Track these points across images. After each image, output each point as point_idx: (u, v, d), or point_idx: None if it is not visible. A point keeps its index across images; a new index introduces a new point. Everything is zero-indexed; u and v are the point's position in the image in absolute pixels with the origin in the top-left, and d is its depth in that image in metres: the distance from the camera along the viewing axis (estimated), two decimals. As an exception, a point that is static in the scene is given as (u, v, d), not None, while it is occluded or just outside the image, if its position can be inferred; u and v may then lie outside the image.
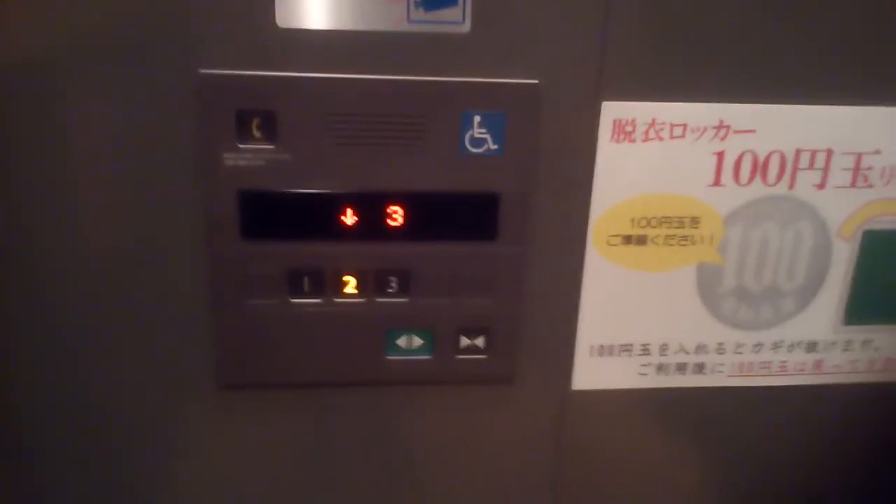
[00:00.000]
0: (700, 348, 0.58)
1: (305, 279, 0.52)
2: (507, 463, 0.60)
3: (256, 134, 0.48)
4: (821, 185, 0.55)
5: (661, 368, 0.59)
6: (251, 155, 0.48)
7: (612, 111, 0.51)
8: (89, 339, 0.52)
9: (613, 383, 0.58)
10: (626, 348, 0.58)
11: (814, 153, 0.54)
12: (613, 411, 0.59)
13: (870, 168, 0.55)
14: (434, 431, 0.58)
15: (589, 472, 0.61)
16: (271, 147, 0.48)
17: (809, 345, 0.60)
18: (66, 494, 0.57)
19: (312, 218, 0.50)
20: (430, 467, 0.59)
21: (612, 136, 0.51)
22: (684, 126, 0.52)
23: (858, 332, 0.60)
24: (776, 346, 0.59)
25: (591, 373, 0.58)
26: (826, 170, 0.55)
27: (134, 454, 0.56)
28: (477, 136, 0.49)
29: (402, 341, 0.54)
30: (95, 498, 0.57)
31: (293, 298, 0.52)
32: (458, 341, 0.55)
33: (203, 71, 0.46)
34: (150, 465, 0.57)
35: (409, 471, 0.59)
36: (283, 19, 0.46)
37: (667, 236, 0.55)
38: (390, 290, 0.53)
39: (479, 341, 0.55)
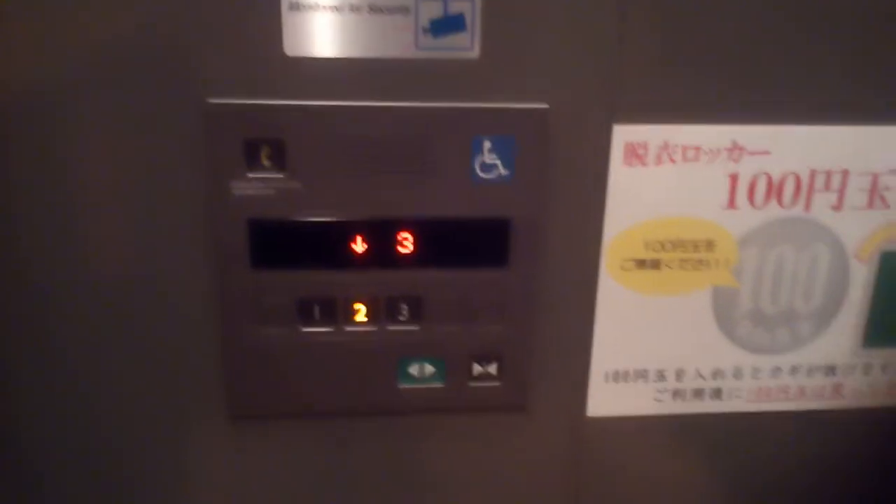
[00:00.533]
0: (717, 373, 0.57)
1: (316, 308, 0.52)
2: (521, 491, 0.59)
3: (265, 163, 0.47)
4: (837, 207, 0.54)
5: (677, 394, 0.58)
6: (260, 184, 0.48)
7: (623, 134, 0.50)
8: (98, 372, 0.52)
9: (629, 410, 0.57)
10: (642, 374, 0.57)
11: (829, 174, 0.53)
12: (629, 438, 0.58)
13: (887, 188, 0.54)
14: (447, 460, 0.57)
15: (605, 499, 0.60)
16: (280, 176, 0.48)
17: (828, 368, 0.59)
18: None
19: (322, 246, 0.50)
20: (443, 496, 0.58)
21: (624, 159, 0.51)
22: (697, 148, 0.51)
23: (878, 356, 0.59)
24: (794, 371, 0.58)
25: (605, 399, 0.57)
26: (842, 191, 0.54)
27: (144, 487, 0.56)
28: (487, 161, 0.49)
29: (414, 369, 0.54)
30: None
31: (304, 327, 0.52)
32: (470, 369, 0.54)
33: (211, 100, 0.46)
34: (160, 497, 0.56)
35: (423, 500, 0.58)
36: (292, 48, 0.46)
37: (681, 260, 0.54)
38: (402, 318, 0.52)
39: (492, 368, 0.54)
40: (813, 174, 0.53)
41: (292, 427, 0.55)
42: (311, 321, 0.52)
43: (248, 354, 0.52)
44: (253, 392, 0.53)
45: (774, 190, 0.53)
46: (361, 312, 0.52)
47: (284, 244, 0.50)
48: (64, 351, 0.51)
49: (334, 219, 0.49)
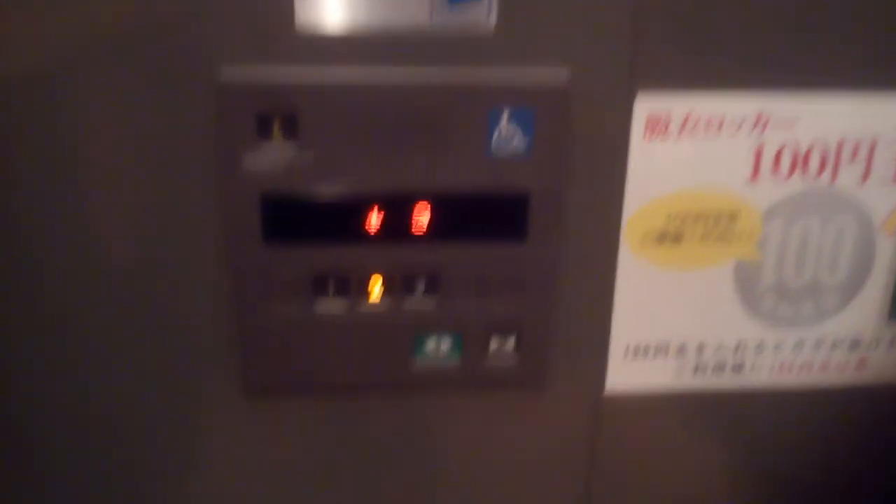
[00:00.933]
0: (739, 348, 0.56)
1: (330, 283, 0.51)
2: (539, 468, 0.58)
3: (278, 136, 0.46)
4: (864, 178, 0.53)
5: (698, 369, 0.57)
6: (273, 157, 0.47)
7: (645, 105, 0.49)
8: (108, 348, 0.52)
9: (649, 385, 0.56)
10: (662, 349, 0.56)
11: (857, 144, 0.52)
12: (649, 414, 0.57)
13: (916, 159, 0.52)
14: (463, 436, 0.57)
15: (623, 476, 0.59)
16: (293, 149, 0.47)
17: (852, 343, 0.57)
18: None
19: (337, 221, 0.49)
20: (458, 472, 0.58)
21: (646, 131, 0.49)
22: (721, 119, 0.50)
23: (904, 330, 0.57)
24: (818, 345, 0.57)
25: (625, 375, 0.56)
26: (869, 162, 0.52)
27: (157, 465, 0.55)
28: (505, 133, 0.48)
29: (430, 345, 0.53)
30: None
31: (318, 303, 0.51)
32: (487, 345, 0.53)
33: (223, 73, 0.45)
34: (173, 474, 0.56)
35: (438, 477, 0.58)
36: (304, 19, 0.44)
37: (703, 233, 0.53)
38: (417, 294, 0.51)
39: (510, 345, 0.53)
40: (840, 144, 0.52)
41: (306, 403, 0.54)
42: (325, 297, 0.51)
43: (261, 331, 0.51)
44: (266, 368, 0.53)
45: (800, 161, 0.52)
46: (377, 288, 0.51)
47: (298, 219, 0.49)
48: (71, 328, 0.51)
49: (349, 193, 0.48)
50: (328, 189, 0.48)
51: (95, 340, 0.51)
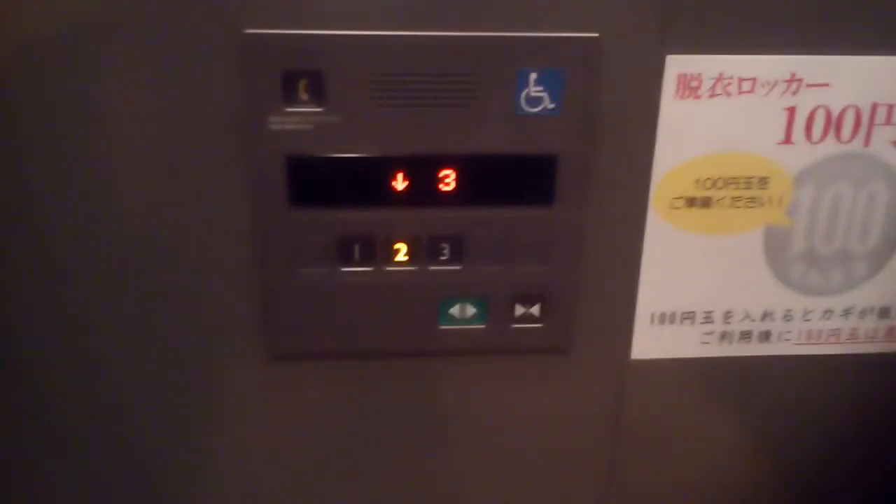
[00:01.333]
0: (766, 315, 0.56)
1: (356, 247, 0.50)
2: (563, 434, 0.58)
3: (303, 96, 0.46)
4: (899, 142, 0.52)
5: (724, 336, 0.56)
6: (298, 118, 0.46)
7: (676, 65, 0.48)
8: (133, 309, 0.52)
9: (674, 352, 0.56)
10: (689, 316, 0.55)
11: (891, 107, 0.51)
12: (674, 381, 0.57)
13: (953, 122, 0.51)
14: (487, 402, 0.56)
15: (648, 443, 0.59)
16: (319, 110, 0.46)
17: (882, 310, 0.57)
18: (110, 469, 0.57)
19: (362, 183, 0.48)
20: (484, 439, 0.58)
21: (677, 91, 0.49)
22: (753, 80, 0.49)
23: (936, 298, 0.57)
24: (846, 313, 0.56)
25: (651, 341, 0.55)
26: (904, 125, 0.51)
27: (179, 429, 0.56)
28: (533, 94, 0.47)
29: (454, 310, 0.52)
30: (140, 472, 0.57)
31: (343, 267, 0.51)
32: (512, 310, 0.52)
33: (247, 31, 0.44)
34: (197, 436, 0.56)
35: (463, 442, 0.58)
36: (331, -24, 0.44)
37: (733, 198, 0.52)
38: (443, 258, 0.51)
39: (535, 310, 0.53)
40: (874, 107, 0.51)
41: (331, 367, 0.54)
42: (350, 260, 0.51)
43: (286, 294, 0.51)
44: (291, 332, 0.53)
45: (833, 124, 0.51)
46: (402, 252, 0.51)
47: (323, 181, 0.48)
48: (96, 289, 0.51)
49: (374, 155, 0.48)
50: (354, 151, 0.47)
51: (119, 304, 0.51)
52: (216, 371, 0.54)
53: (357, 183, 0.48)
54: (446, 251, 0.51)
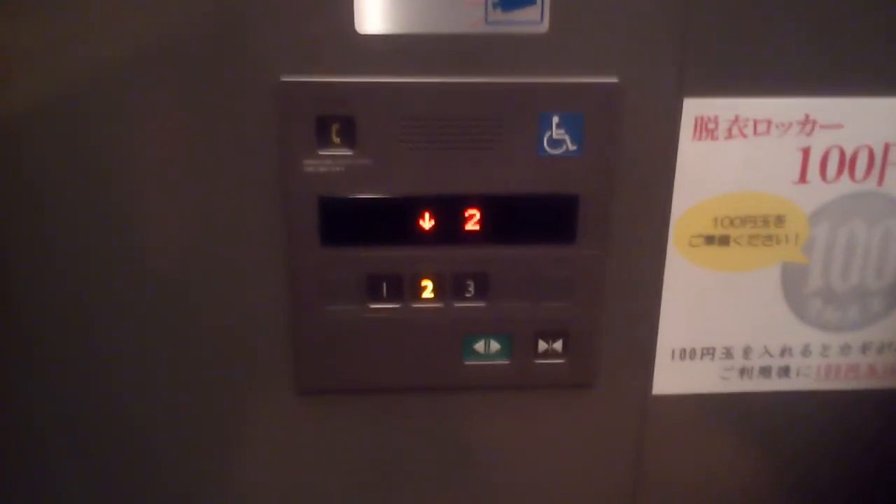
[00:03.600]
0: (785, 351, 0.57)
1: (384, 284, 0.52)
2: (586, 468, 0.59)
3: (336, 140, 0.48)
4: (911, 181, 0.53)
5: (744, 372, 0.57)
6: (331, 161, 0.48)
7: (693, 108, 0.50)
8: (167, 346, 0.53)
9: (695, 388, 0.57)
10: (709, 352, 0.56)
11: (904, 148, 0.52)
12: (695, 416, 0.58)
13: (964, 162, 0.53)
14: (511, 436, 0.57)
15: (669, 478, 0.60)
16: (350, 153, 0.48)
17: (900, 346, 0.58)
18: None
19: (391, 223, 0.50)
20: (506, 473, 0.59)
21: (694, 133, 0.50)
22: (768, 122, 0.50)
23: (952, 333, 0.57)
24: (865, 348, 0.57)
25: (672, 377, 0.56)
26: (917, 165, 0.53)
27: (209, 463, 0.57)
28: (555, 137, 0.49)
29: (479, 346, 0.54)
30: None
31: (372, 304, 0.52)
32: (536, 345, 0.54)
33: (284, 78, 0.46)
34: (225, 469, 0.57)
35: (487, 477, 0.58)
36: (362, 24, 0.46)
37: (750, 236, 0.53)
38: (468, 295, 0.52)
39: (558, 345, 0.54)
40: (887, 147, 0.52)
41: (357, 402, 0.56)
42: (378, 298, 0.52)
43: (316, 330, 0.53)
44: (320, 367, 0.54)
45: (847, 164, 0.52)
46: (428, 289, 0.52)
47: (353, 221, 0.50)
48: (132, 325, 0.53)
49: (403, 195, 0.49)
50: (383, 192, 0.49)
51: (152, 340, 0.53)
52: (247, 405, 0.56)
53: (385, 222, 0.50)
54: (471, 288, 0.52)
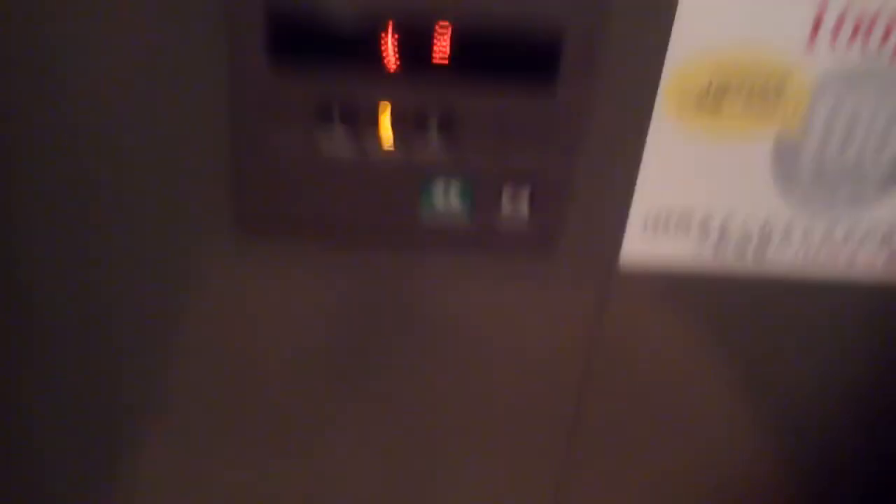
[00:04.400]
0: (765, 230, 0.53)
1: (336, 115, 0.46)
2: (539, 340, 0.55)
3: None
4: (930, 54, 0.48)
5: (719, 247, 0.53)
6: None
7: (704, -58, 0.44)
8: (103, 167, 0.47)
9: (665, 261, 0.53)
10: (684, 224, 0.52)
11: (927, 19, 0.47)
12: (661, 292, 0.54)
13: None
14: (465, 298, 0.54)
15: (626, 353, 0.56)
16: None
17: (885, 236, 0.54)
18: (67, 352, 0.53)
19: (349, 43, 0.44)
20: (457, 336, 0.55)
21: (702, -28, 0.44)
22: (785, -30, 0.45)
23: (943, 228, 0.54)
24: (848, 235, 0.54)
25: (642, 248, 0.52)
26: (938, 37, 0.47)
27: (146, 305, 0.52)
28: (545, -41, 0.42)
29: (438, 197, 0.49)
30: (102, 353, 0.54)
31: (321, 137, 0.47)
32: (500, 198, 0.49)
33: None
34: (162, 316, 0.53)
35: (436, 338, 0.55)
36: None
37: (746, 102, 0.48)
38: (430, 136, 0.47)
39: (524, 203, 0.49)
40: (908, 17, 0.47)
41: (303, 249, 0.51)
42: (329, 130, 0.47)
43: (258, 163, 0.47)
44: (261, 207, 0.49)
45: (863, 30, 0.47)
46: (386, 125, 0.47)
47: (307, 39, 0.44)
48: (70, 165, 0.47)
49: (365, 10, 0.43)
50: (344, 5, 0.43)
51: (88, 171, 0.47)
52: (184, 247, 0.50)
53: (344, 42, 0.44)
54: (434, 128, 0.47)
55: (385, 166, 0.48)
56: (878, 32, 0.47)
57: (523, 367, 0.56)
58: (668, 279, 0.53)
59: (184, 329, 0.53)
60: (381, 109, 0.46)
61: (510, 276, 0.52)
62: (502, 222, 0.50)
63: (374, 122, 0.46)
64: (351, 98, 0.46)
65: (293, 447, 0.58)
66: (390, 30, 0.43)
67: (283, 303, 0.53)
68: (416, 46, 0.44)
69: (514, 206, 0.49)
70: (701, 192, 0.51)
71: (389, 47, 0.44)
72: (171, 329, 0.54)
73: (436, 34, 0.44)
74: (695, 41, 0.46)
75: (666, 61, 0.46)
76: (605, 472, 0.62)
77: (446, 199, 0.49)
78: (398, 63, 0.44)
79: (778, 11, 0.46)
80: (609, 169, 0.49)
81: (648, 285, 0.53)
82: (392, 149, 0.47)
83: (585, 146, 0.48)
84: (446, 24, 0.43)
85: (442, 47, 0.44)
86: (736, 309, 0.56)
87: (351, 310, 0.53)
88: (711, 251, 0.53)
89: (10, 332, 0.52)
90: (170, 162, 0.47)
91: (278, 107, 0.46)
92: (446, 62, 0.44)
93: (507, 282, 0.53)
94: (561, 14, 0.43)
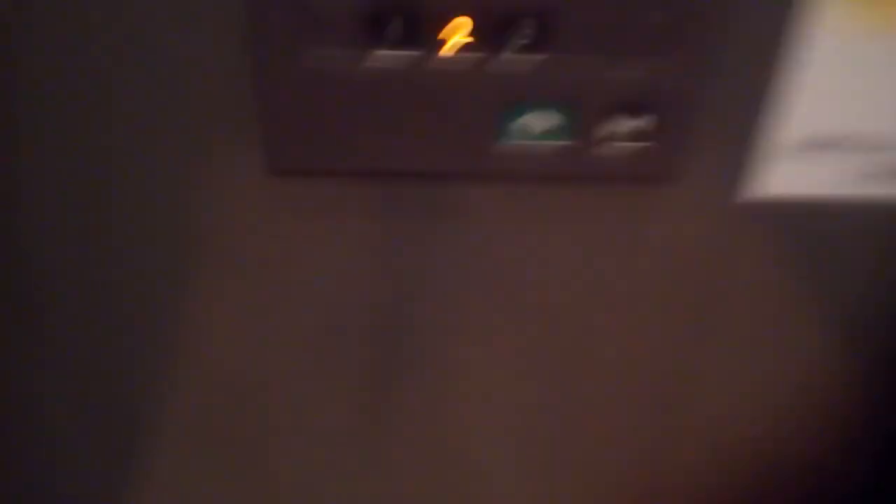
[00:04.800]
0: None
1: (391, 23, 0.34)
2: (651, 288, 0.44)
3: None
4: None
5: (869, 174, 0.42)
6: None
7: None
8: (115, 121, 0.36)
9: (807, 188, 0.42)
10: (834, 144, 0.41)
11: None
12: (798, 224, 0.43)
13: None
14: (555, 247, 0.43)
15: (745, 304, 0.46)
16: None
17: None
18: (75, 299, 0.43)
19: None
20: (547, 291, 0.44)
21: None
22: None
23: None
24: None
25: (783, 175, 0.41)
26: None
27: (168, 257, 0.42)
28: None
29: (525, 122, 0.37)
30: (113, 300, 0.43)
31: (372, 50, 0.35)
32: (609, 122, 0.38)
33: None
34: (187, 267, 0.42)
35: (520, 296, 0.44)
36: None
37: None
38: (519, 42, 0.35)
39: (642, 122, 0.38)
40: None
41: (346, 189, 0.40)
42: (381, 41, 0.35)
43: (291, 86, 0.36)
44: (297, 138, 0.38)
45: None
46: (459, 31, 0.35)
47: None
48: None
49: None
50: None
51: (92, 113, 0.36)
52: (206, 188, 0.39)
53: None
54: (526, 32, 0.35)
55: (454, 83, 0.36)
56: None
57: (627, 322, 0.46)
58: (807, 207, 0.42)
59: (209, 272, 0.43)
60: (451, 11, 0.34)
61: (617, 213, 0.41)
62: (611, 148, 0.38)
63: (442, 28, 0.35)
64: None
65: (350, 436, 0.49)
66: None
67: (320, 250, 0.42)
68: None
69: (630, 129, 0.38)
70: (857, 105, 0.40)
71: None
72: (195, 271, 0.43)
73: None
74: None
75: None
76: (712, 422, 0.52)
77: (536, 125, 0.37)
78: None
79: None
80: (751, 78, 0.38)
81: (785, 215, 0.42)
82: (462, 62, 0.36)
83: (719, 51, 0.36)
84: None
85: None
86: (882, 236, 0.45)
87: (403, 258, 0.43)
88: (859, 174, 0.42)
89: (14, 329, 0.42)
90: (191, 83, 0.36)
91: (314, 10, 0.34)
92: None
93: (608, 224, 0.42)
94: None
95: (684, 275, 0.44)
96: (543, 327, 0.45)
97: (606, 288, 0.44)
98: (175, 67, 0.35)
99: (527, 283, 0.44)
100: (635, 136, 0.38)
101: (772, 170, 0.40)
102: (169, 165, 0.38)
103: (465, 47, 0.35)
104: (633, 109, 0.37)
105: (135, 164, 0.38)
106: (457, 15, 0.34)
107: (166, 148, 0.38)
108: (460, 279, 0.43)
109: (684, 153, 0.39)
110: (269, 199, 0.40)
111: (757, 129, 0.39)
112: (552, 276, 0.43)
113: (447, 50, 0.35)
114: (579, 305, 0.45)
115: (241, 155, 0.38)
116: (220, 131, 0.37)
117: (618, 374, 0.48)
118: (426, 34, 0.35)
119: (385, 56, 0.35)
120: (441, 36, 0.35)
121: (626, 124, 0.37)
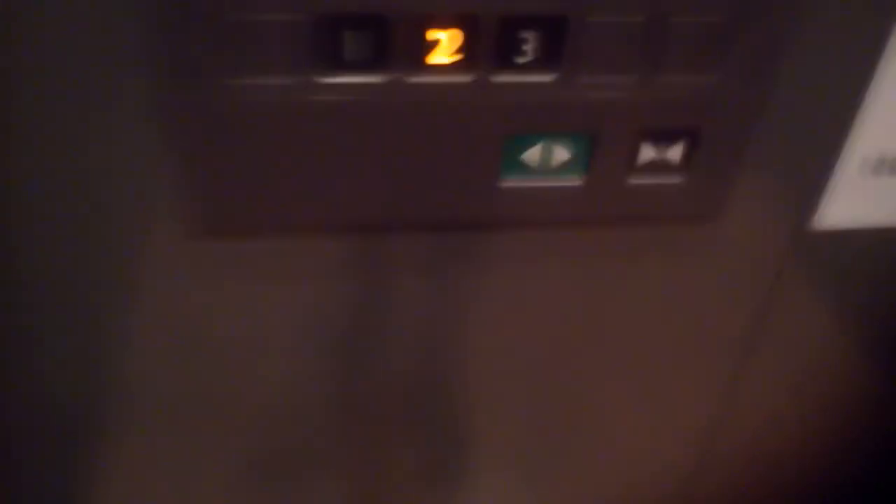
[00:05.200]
0: None
1: (352, 35, 0.26)
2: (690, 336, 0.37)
3: None
4: None
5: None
6: None
7: None
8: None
9: (877, 218, 0.34)
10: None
11: None
12: (863, 256, 0.36)
13: None
14: (580, 292, 0.35)
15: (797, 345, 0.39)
16: None
17: None
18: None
19: None
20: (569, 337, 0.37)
21: None
22: None
23: None
24: None
25: (851, 201, 0.33)
26: None
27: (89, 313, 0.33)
28: None
29: (534, 153, 0.29)
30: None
31: (326, 75, 0.26)
32: (635, 152, 0.29)
33: None
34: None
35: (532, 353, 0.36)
36: None
37: None
38: (520, 60, 0.27)
39: (674, 153, 0.30)
40: None
41: (295, 245, 0.31)
42: (339, 62, 0.26)
43: (223, 124, 0.27)
44: (232, 192, 0.29)
45: None
46: (444, 46, 0.26)
47: None
48: None
49: None
50: None
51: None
52: (128, 250, 0.31)
53: None
54: (529, 46, 0.26)
55: (443, 114, 0.28)
56: None
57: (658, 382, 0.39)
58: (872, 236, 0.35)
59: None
60: (434, 20, 0.26)
61: (646, 260, 0.33)
62: (637, 185, 0.30)
63: (419, 40, 0.26)
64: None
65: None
66: None
67: (258, 321, 0.34)
68: None
69: (659, 160, 0.29)
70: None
71: None
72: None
73: None
74: None
75: None
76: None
77: (548, 156, 0.29)
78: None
79: None
80: (823, 92, 0.29)
81: (845, 250, 0.35)
82: (451, 82, 0.27)
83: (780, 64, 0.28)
84: None
85: None
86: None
87: (375, 321, 0.35)
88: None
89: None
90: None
91: (244, 24, 0.25)
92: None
93: (647, 265, 0.34)
94: None
95: (725, 320, 0.36)
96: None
97: (631, 348, 0.36)
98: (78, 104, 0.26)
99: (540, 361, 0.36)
100: (665, 168, 0.29)
101: (834, 197, 0.32)
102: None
103: (453, 66, 0.26)
104: (664, 137, 0.29)
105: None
106: (441, 26, 0.25)
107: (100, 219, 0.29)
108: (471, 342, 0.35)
109: (727, 187, 0.30)
110: (195, 259, 0.31)
111: (816, 154, 0.31)
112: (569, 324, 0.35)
113: (428, 71, 0.26)
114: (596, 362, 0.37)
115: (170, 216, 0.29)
116: (132, 188, 0.28)
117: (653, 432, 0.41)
118: (399, 51, 0.26)
119: (341, 84, 0.26)
120: (420, 53, 0.26)
121: (653, 156, 0.29)
